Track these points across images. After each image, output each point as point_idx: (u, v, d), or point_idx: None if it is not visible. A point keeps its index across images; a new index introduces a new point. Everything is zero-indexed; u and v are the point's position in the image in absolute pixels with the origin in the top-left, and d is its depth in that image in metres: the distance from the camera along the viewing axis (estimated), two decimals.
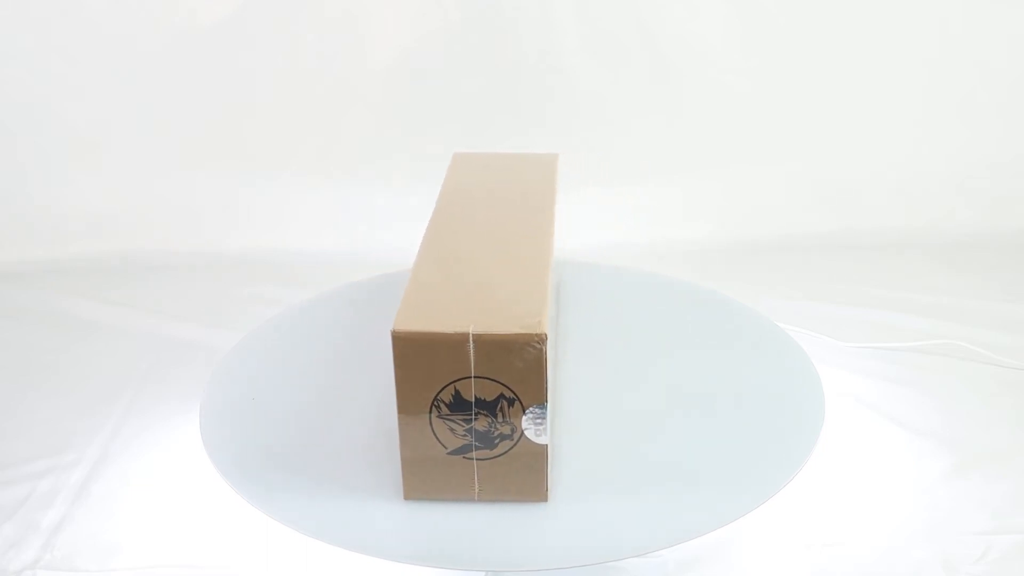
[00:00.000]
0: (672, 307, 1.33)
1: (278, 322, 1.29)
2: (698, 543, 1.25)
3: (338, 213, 2.15)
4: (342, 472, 1.01)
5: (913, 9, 2.11)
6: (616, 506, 0.97)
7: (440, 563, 0.93)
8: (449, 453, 0.94)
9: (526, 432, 0.92)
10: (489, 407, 0.91)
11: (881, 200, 2.19)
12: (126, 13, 2.05)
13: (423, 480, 0.95)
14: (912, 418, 1.55)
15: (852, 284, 1.97)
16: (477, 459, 0.94)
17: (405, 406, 0.92)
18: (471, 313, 0.92)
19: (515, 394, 0.91)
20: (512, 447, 0.93)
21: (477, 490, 0.95)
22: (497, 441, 0.93)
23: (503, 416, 0.92)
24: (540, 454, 0.94)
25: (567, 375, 1.15)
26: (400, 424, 0.92)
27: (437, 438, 0.93)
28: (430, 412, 0.92)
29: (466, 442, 0.93)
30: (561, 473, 0.99)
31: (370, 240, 2.11)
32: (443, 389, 0.91)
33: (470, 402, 0.91)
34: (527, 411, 0.91)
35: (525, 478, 0.95)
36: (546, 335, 0.88)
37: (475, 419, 0.92)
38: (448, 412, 0.92)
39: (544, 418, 0.91)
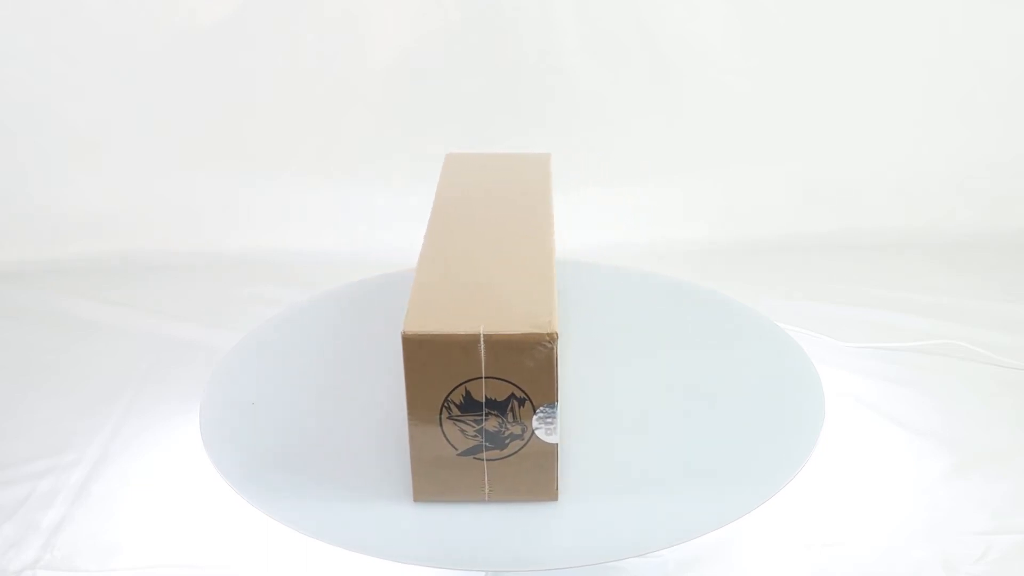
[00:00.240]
0: (672, 307, 1.33)
1: (278, 322, 1.29)
2: (698, 543, 1.25)
3: (338, 213, 2.15)
4: (342, 472, 1.01)
5: (913, 9, 2.11)
6: (616, 506, 0.97)
7: (440, 563, 0.93)
8: (459, 454, 0.93)
9: (536, 431, 0.92)
10: (500, 407, 0.91)
11: (881, 200, 2.19)
12: (126, 13, 2.05)
13: (433, 482, 0.95)
14: (912, 418, 1.55)
15: (852, 284, 1.97)
16: (487, 460, 0.94)
17: (415, 408, 0.91)
18: (480, 313, 0.92)
19: (526, 394, 0.91)
20: (523, 447, 0.93)
21: (487, 491, 0.95)
22: (508, 441, 0.93)
23: (514, 416, 0.92)
24: (550, 453, 0.94)
25: (566, 375, 1.15)
26: (410, 426, 0.92)
27: (447, 439, 0.93)
28: (440, 414, 0.91)
29: (476, 443, 0.93)
30: (561, 474, 0.99)
31: (370, 240, 2.11)
32: (454, 390, 0.90)
33: (480, 403, 0.91)
34: (538, 410, 0.91)
35: (535, 477, 0.95)
36: (557, 334, 0.88)
37: (486, 419, 0.92)
38: (459, 413, 0.91)
39: (554, 417, 0.92)
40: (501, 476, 0.95)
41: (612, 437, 1.07)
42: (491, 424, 0.92)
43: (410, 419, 0.92)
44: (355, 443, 1.05)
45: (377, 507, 0.96)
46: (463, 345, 0.88)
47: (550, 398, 0.91)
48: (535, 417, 0.92)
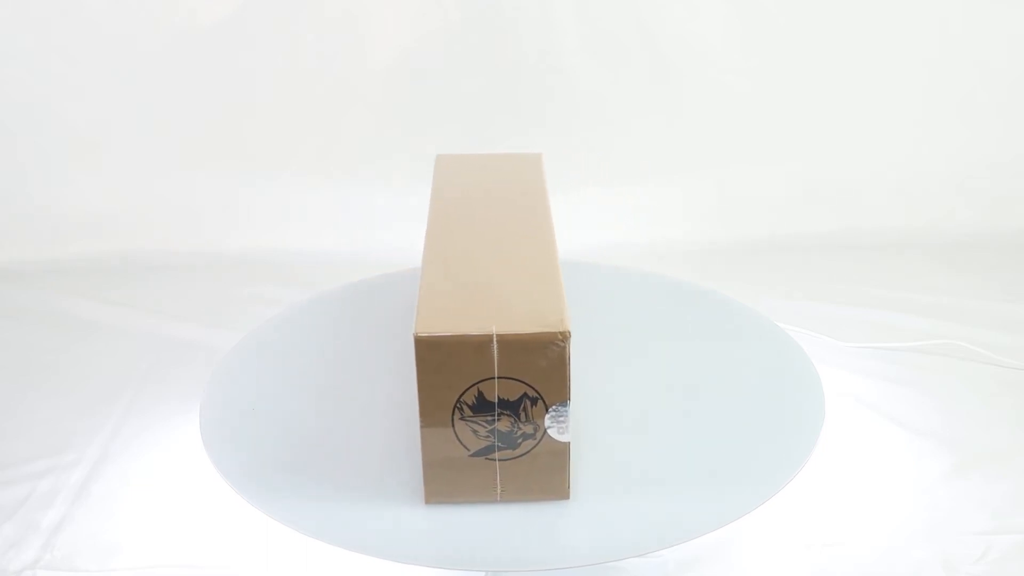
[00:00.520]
0: (672, 307, 1.33)
1: (278, 322, 1.29)
2: (698, 543, 1.25)
3: (338, 213, 2.15)
4: (342, 472, 1.01)
5: (913, 9, 2.11)
6: (616, 506, 0.97)
7: (439, 563, 0.93)
8: (471, 455, 0.93)
9: (549, 431, 0.92)
10: (512, 407, 0.91)
11: (881, 200, 2.19)
12: (126, 13, 2.05)
13: (444, 484, 0.95)
14: (912, 418, 1.55)
15: (852, 284, 1.97)
16: (499, 460, 0.94)
17: (427, 410, 0.91)
18: (491, 314, 0.92)
19: (538, 393, 0.90)
20: (535, 446, 0.93)
21: (499, 491, 0.95)
22: (520, 441, 0.93)
23: (526, 416, 0.91)
24: (562, 452, 0.94)
25: None
26: (422, 429, 0.92)
27: (460, 441, 0.92)
28: (452, 415, 0.91)
29: (489, 443, 0.93)
30: None
31: (370, 240, 2.11)
32: (466, 391, 0.90)
33: (493, 403, 0.91)
34: (550, 409, 0.91)
35: (547, 477, 0.95)
36: (570, 332, 0.88)
37: (498, 420, 0.92)
38: (471, 414, 0.91)
39: (566, 416, 0.92)
40: (513, 476, 0.94)
41: (612, 437, 1.07)
42: (503, 424, 0.92)
43: (422, 421, 0.91)
44: (355, 443, 1.05)
45: (377, 507, 0.96)
46: (476, 346, 0.88)
47: (562, 397, 0.91)
48: (547, 416, 0.91)
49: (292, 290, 1.92)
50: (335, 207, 2.16)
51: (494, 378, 0.90)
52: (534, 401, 0.91)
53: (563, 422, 0.92)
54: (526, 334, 0.88)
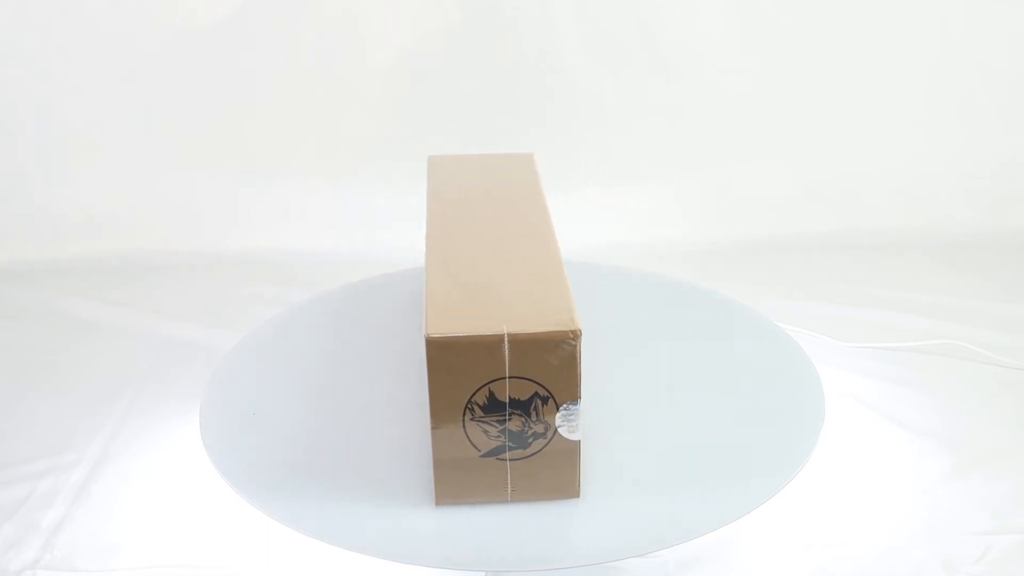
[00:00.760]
0: (672, 307, 1.33)
1: (278, 322, 1.29)
2: (698, 543, 1.25)
3: (338, 213, 2.15)
4: (342, 472, 1.01)
5: (913, 9, 2.11)
6: (616, 506, 0.97)
7: (438, 563, 0.93)
8: (482, 455, 0.93)
9: (559, 429, 0.92)
10: (523, 406, 0.91)
11: (881, 200, 2.19)
12: (126, 13, 2.05)
13: (455, 485, 0.95)
14: (912, 418, 1.55)
15: (852, 284, 1.97)
16: (510, 460, 0.94)
17: (438, 411, 0.91)
18: (501, 314, 0.91)
19: (549, 392, 0.90)
20: (545, 445, 0.93)
21: (510, 491, 0.95)
22: (531, 440, 0.93)
23: (537, 415, 0.91)
24: (573, 451, 0.94)
25: None
26: (432, 430, 0.91)
27: (470, 441, 0.92)
28: (463, 415, 0.91)
29: (499, 443, 0.93)
30: None
31: (370, 240, 2.11)
32: (477, 391, 0.90)
33: (504, 403, 0.91)
34: (561, 408, 0.91)
35: (558, 476, 0.95)
36: (580, 331, 0.88)
37: (509, 420, 0.91)
38: (482, 415, 0.91)
39: (577, 414, 0.91)
40: (524, 476, 0.94)
41: (612, 437, 1.07)
42: (514, 424, 0.91)
43: (432, 422, 0.91)
44: (355, 443, 1.05)
45: (377, 506, 0.96)
46: (487, 346, 0.88)
47: (573, 395, 0.91)
48: (558, 415, 0.91)
49: (292, 290, 1.92)
50: (335, 207, 2.16)
51: (505, 378, 0.89)
52: (545, 400, 0.91)
53: (574, 421, 0.92)
54: (538, 333, 0.88)
